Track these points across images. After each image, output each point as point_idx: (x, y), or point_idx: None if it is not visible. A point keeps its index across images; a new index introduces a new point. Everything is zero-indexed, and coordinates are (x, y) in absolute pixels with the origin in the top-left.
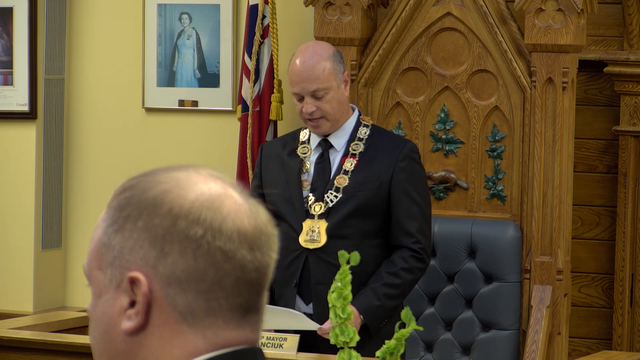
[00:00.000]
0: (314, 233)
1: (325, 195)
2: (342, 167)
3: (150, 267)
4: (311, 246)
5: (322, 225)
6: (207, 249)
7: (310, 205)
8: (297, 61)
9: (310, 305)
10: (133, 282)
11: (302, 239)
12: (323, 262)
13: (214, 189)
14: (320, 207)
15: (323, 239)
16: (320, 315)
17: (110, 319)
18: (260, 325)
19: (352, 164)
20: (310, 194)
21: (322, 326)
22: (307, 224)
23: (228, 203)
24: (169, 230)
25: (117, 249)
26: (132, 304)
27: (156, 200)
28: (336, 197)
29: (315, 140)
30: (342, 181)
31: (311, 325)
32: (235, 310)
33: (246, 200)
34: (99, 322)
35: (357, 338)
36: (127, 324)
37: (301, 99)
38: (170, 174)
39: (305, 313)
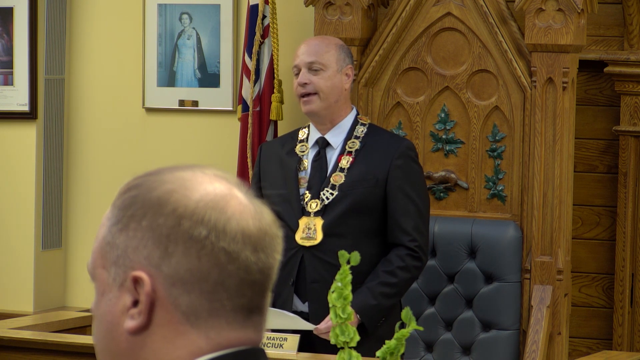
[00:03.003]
0: (310, 230)
1: (321, 193)
2: (338, 165)
3: (153, 267)
4: (307, 244)
5: (318, 222)
6: (210, 250)
7: (306, 202)
8: (305, 41)
9: (307, 303)
10: (136, 281)
11: (298, 237)
12: (318, 260)
13: (219, 189)
14: (317, 205)
15: (319, 237)
16: (315, 314)
17: (113, 318)
18: (264, 326)
19: (348, 162)
20: (307, 192)
21: (317, 326)
22: (303, 222)
23: (233, 204)
24: (173, 230)
25: (121, 247)
26: (135, 303)
27: (161, 200)
28: (332, 194)
29: (312, 138)
30: (338, 178)
31: (307, 326)
32: (239, 311)
33: (251, 201)
34: (101, 321)
35: (357, 338)
36: (130, 323)
37: (299, 72)
38: (175, 173)
39: (301, 312)
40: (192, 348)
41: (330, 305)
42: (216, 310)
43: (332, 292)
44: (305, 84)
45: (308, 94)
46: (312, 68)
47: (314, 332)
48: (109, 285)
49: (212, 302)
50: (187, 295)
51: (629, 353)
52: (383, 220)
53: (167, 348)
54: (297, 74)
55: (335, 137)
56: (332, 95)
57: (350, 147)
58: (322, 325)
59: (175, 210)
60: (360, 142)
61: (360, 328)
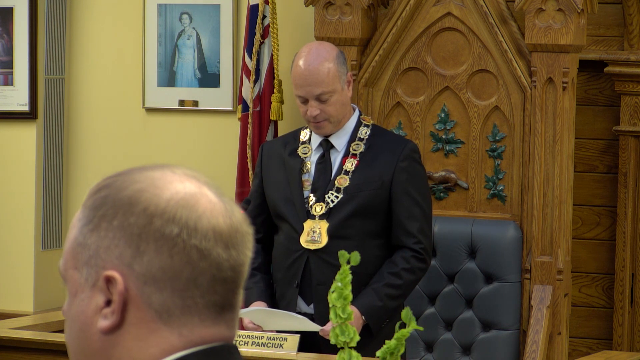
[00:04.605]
0: (315, 234)
1: (326, 196)
2: (342, 168)
3: (126, 266)
4: (312, 247)
5: (323, 225)
6: (182, 248)
7: (311, 205)
8: (301, 63)
9: (312, 305)
10: (109, 280)
11: (303, 240)
12: (324, 262)
13: (189, 187)
14: (321, 208)
15: (324, 240)
16: (321, 315)
17: (85, 318)
18: (236, 322)
19: (352, 164)
20: (311, 195)
21: (324, 328)
22: (308, 225)
23: (203, 202)
24: (144, 229)
25: (92, 248)
26: (108, 302)
27: (131, 199)
28: (337, 197)
29: (316, 140)
30: (343, 181)
31: (313, 327)
32: (211, 308)
33: (221, 199)
34: (74, 322)
35: (357, 338)
36: (103, 323)
37: (305, 101)
38: (145, 173)
39: (306, 313)
40: (165, 346)
41: (330, 305)
42: (188, 307)
43: (332, 292)
44: (317, 114)
45: (319, 120)
46: (320, 99)
47: (320, 334)
48: (81, 285)
49: (185, 300)
50: (159, 293)
51: (629, 353)
52: (387, 221)
53: (140, 346)
54: (303, 102)
55: (339, 140)
56: (342, 113)
57: (355, 150)
58: (328, 326)
59: (146, 209)
60: (364, 144)
61: (365, 329)
